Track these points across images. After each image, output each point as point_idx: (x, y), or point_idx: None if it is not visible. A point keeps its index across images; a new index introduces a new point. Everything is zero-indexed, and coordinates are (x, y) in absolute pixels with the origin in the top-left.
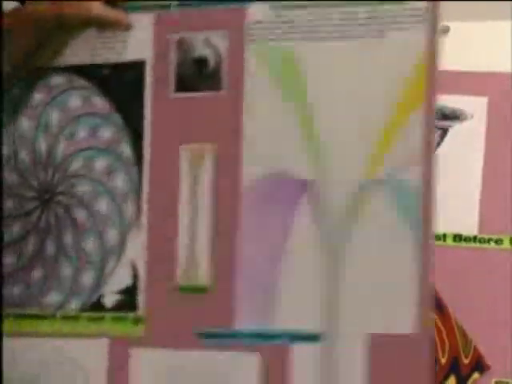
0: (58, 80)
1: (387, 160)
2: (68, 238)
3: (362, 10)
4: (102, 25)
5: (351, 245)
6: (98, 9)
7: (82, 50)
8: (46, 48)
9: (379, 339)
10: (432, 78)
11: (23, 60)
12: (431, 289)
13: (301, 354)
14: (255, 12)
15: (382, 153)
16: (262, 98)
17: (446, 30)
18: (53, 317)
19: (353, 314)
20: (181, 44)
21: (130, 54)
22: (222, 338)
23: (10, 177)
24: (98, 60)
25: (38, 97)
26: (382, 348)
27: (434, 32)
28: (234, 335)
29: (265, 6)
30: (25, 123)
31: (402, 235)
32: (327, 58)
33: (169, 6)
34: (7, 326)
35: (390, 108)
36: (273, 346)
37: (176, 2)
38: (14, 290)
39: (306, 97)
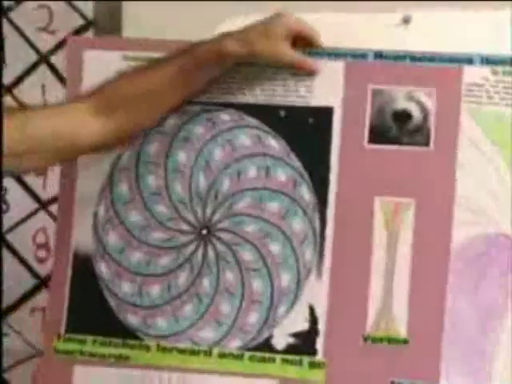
0: (225, 117)
1: None
2: (230, 276)
3: None
4: (290, 68)
5: None
6: (290, 52)
7: (255, 90)
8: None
9: None
10: None
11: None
12: None
13: None
14: (473, 74)
15: None
16: (477, 158)
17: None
18: (208, 353)
19: None
20: (378, 95)
21: (316, 99)
22: None
23: (161, 209)
24: (274, 101)
25: (199, 131)
26: None
27: None
28: None
29: (485, 70)
30: (182, 156)
31: None
32: None
33: (365, 56)
34: (152, 358)
35: None
36: None
37: (372, 53)
38: (160, 322)
39: None
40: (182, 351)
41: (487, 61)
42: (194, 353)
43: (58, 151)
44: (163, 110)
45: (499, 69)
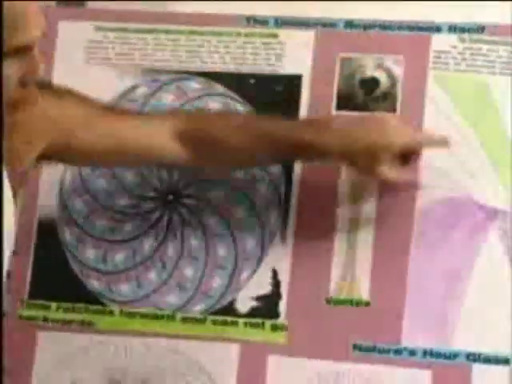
0: (195, 85)
1: None
2: (194, 241)
3: None
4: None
5: None
6: (388, 172)
7: (225, 58)
8: None
9: None
10: None
11: None
12: None
13: (482, 375)
14: (441, 42)
15: None
16: (443, 124)
17: None
18: (171, 318)
19: None
20: (347, 63)
21: (285, 68)
22: (387, 352)
23: (128, 176)
24: (244, 69)
25: (169, 99)
26: None
27: None
28: (402, 351)
29: (453, 38)
30: None
31: None
32: None
33: (335, 25)
34: (115, 323)
35: None
36: (450, 365)
37: (343, 22)
38: (123, 288)
39: (499, 125)
40: (145, 316)
41: (455, 29)
42: (157, 317)
43: (136, 159)
44: (242, 166)
45: (466, 36)
